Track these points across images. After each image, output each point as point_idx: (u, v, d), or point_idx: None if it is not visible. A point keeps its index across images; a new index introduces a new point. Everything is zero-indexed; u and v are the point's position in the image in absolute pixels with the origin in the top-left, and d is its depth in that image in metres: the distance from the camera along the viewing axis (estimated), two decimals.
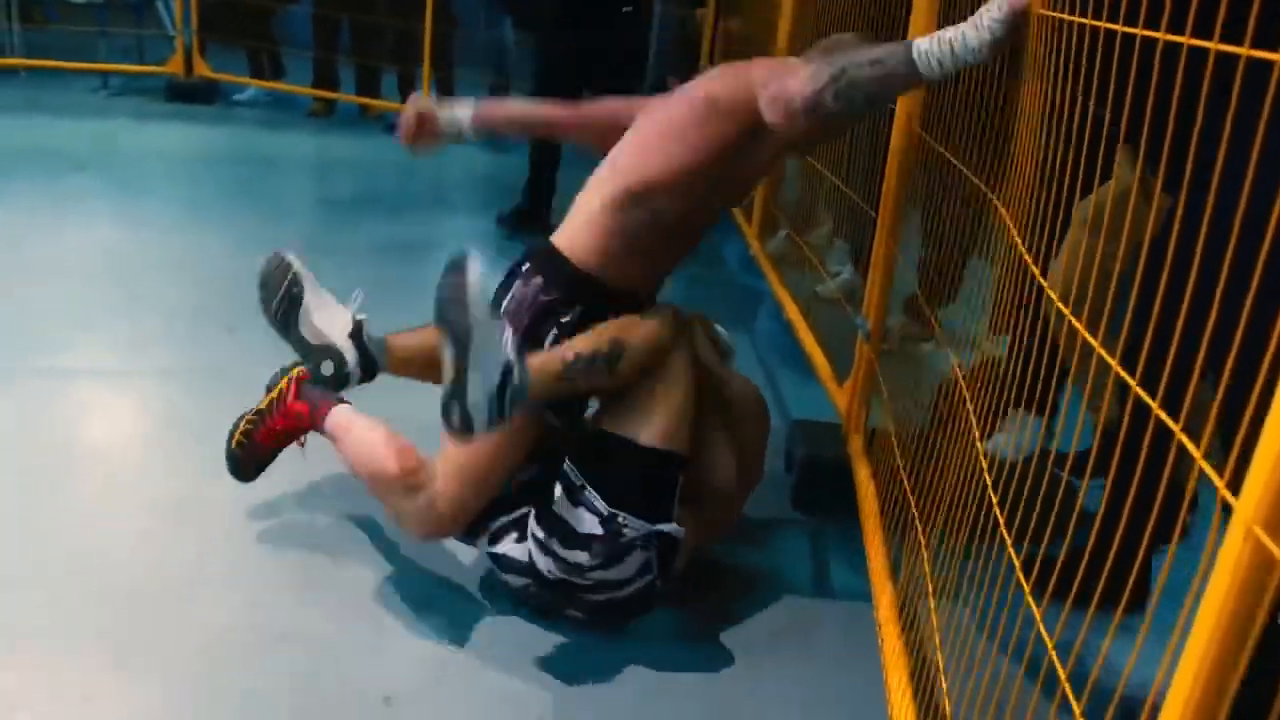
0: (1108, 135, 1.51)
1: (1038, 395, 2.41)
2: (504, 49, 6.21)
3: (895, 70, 1.55)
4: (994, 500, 1.32)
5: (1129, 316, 1.08)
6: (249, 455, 1.93)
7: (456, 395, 1.54)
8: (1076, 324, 1.08)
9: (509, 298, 1.79)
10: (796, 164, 4.37)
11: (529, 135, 1.98)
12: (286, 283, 1.87)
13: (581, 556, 1.65)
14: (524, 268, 1.82)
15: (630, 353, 1.66)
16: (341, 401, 1.92)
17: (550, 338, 1.74)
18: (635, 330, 1.68)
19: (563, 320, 1.75)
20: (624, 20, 4.48)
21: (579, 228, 1.79)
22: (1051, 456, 2.13)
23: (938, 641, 1.46)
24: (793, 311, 3.08)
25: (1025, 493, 1.41)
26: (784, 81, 1.65)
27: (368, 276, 3.33)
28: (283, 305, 1.87)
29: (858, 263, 3.79)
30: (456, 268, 1.55)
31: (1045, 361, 1.74)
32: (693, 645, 1.77)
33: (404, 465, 1.76)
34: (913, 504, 1.76)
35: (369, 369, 1.89)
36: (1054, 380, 2.34)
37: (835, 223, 4.20)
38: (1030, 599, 1.09)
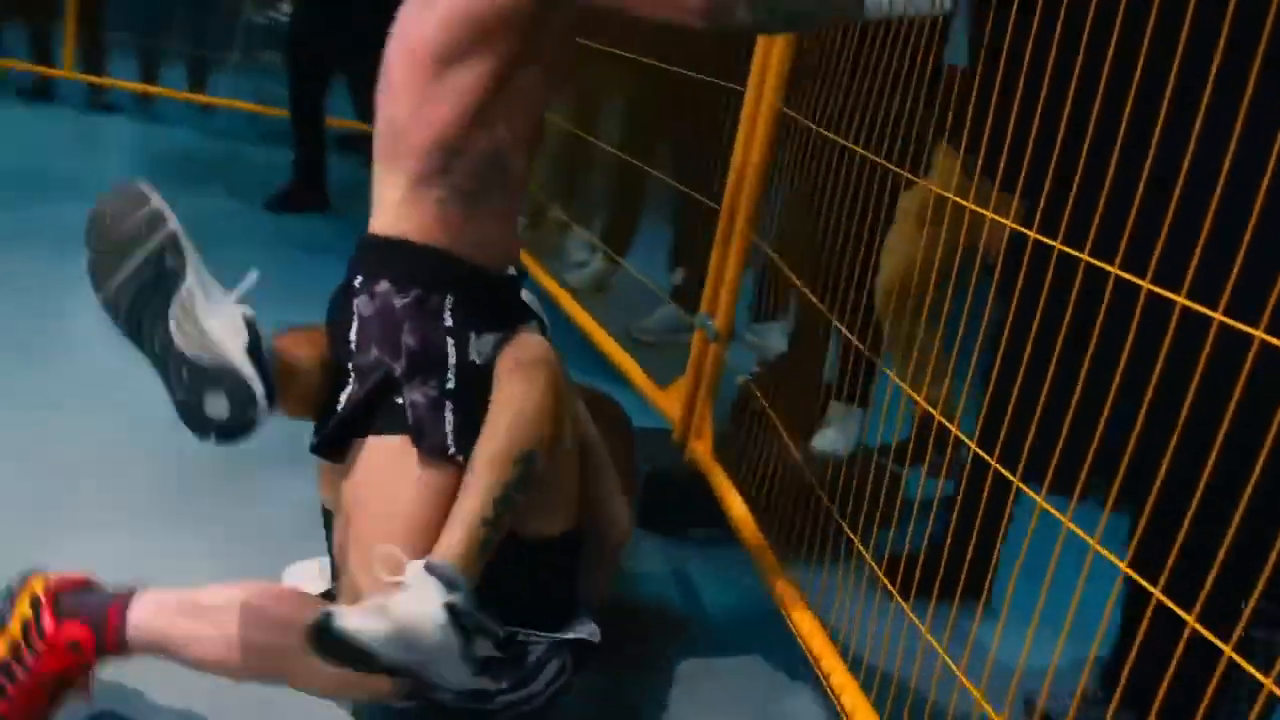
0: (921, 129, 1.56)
1: (856, 387, 2.46)
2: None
3: None
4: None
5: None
6: None
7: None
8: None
9: (355, 329, 1.37)
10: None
11: None
12: (155, 245, 1.20)
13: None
14: (357, 282, 1.40)
15: (537, 446, 1.33)
16: (132, 592, 1.31)
17: (452, 350, 1.37)
18: (520, 413, 1.33)
19: (446, 325, 1.37)
20: None
21: (402, 204, 1.40)
22: (877, 449, 2.14)
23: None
24: (571, 306, 2.88)
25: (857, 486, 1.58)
26: None
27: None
28: (141, 282, 1.20)
29: (609, 249, 3.67)
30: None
31: (861, 352, 1.79)
32: (608, 701, 1.60)
33: (297, 604, 1.31)
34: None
35: (271, 398, 1.24)
36: (871, 371, 2.36)
37: (578, 209, 4.04)
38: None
